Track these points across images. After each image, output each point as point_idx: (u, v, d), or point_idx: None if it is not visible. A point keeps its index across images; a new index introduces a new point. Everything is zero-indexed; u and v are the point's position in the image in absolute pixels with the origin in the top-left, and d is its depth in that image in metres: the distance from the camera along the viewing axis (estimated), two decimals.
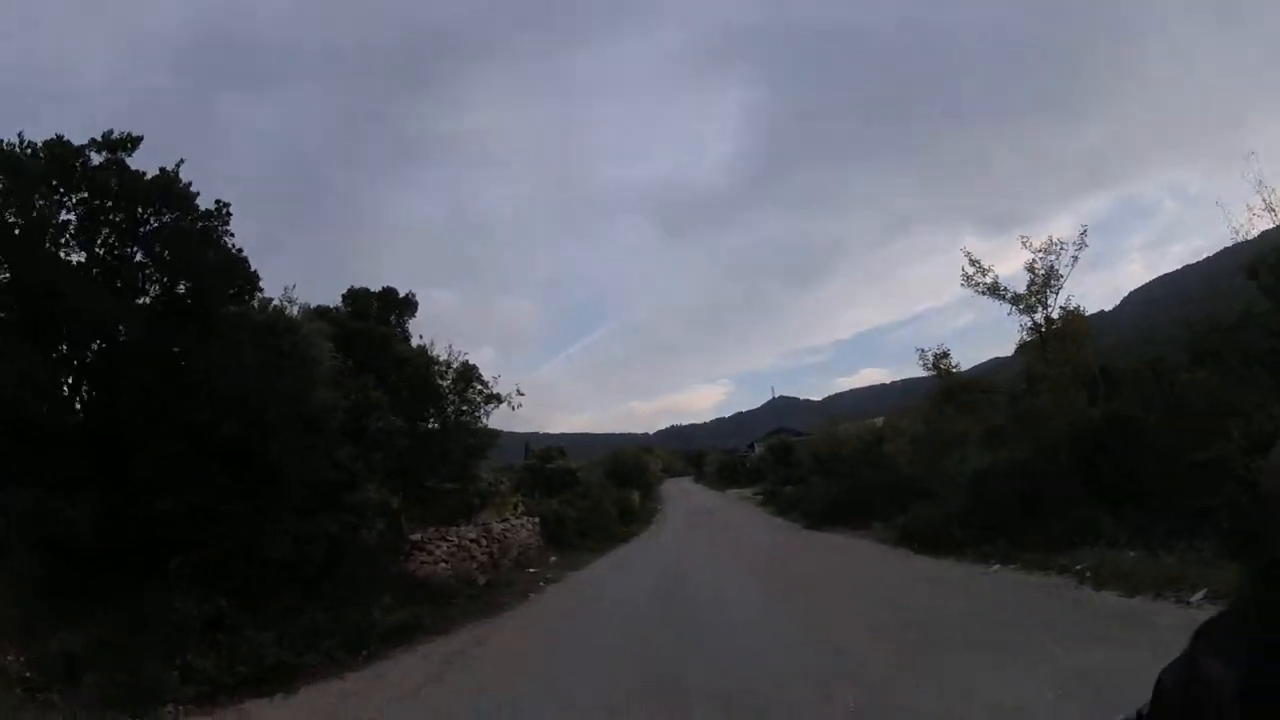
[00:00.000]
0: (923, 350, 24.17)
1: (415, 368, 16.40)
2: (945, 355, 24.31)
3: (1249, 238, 15.67)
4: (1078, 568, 10.62)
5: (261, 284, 11.19)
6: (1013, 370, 23.97)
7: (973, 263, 21.65)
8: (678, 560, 18.84)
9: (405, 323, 18.19)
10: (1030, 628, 7.81)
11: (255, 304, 10.95)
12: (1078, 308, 21.04)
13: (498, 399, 18.13)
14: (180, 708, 7.94)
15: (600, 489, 34.35)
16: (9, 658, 7.52)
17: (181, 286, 10.26)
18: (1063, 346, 19.72)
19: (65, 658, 7.65)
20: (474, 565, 17.95)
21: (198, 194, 11.00)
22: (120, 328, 9.70)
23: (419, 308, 18.41)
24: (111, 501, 8.67)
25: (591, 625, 11.10)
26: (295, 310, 11.09)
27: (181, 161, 10.80)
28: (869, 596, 11.06)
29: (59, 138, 10.04)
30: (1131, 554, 10.46)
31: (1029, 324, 21.31)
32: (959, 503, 15.99)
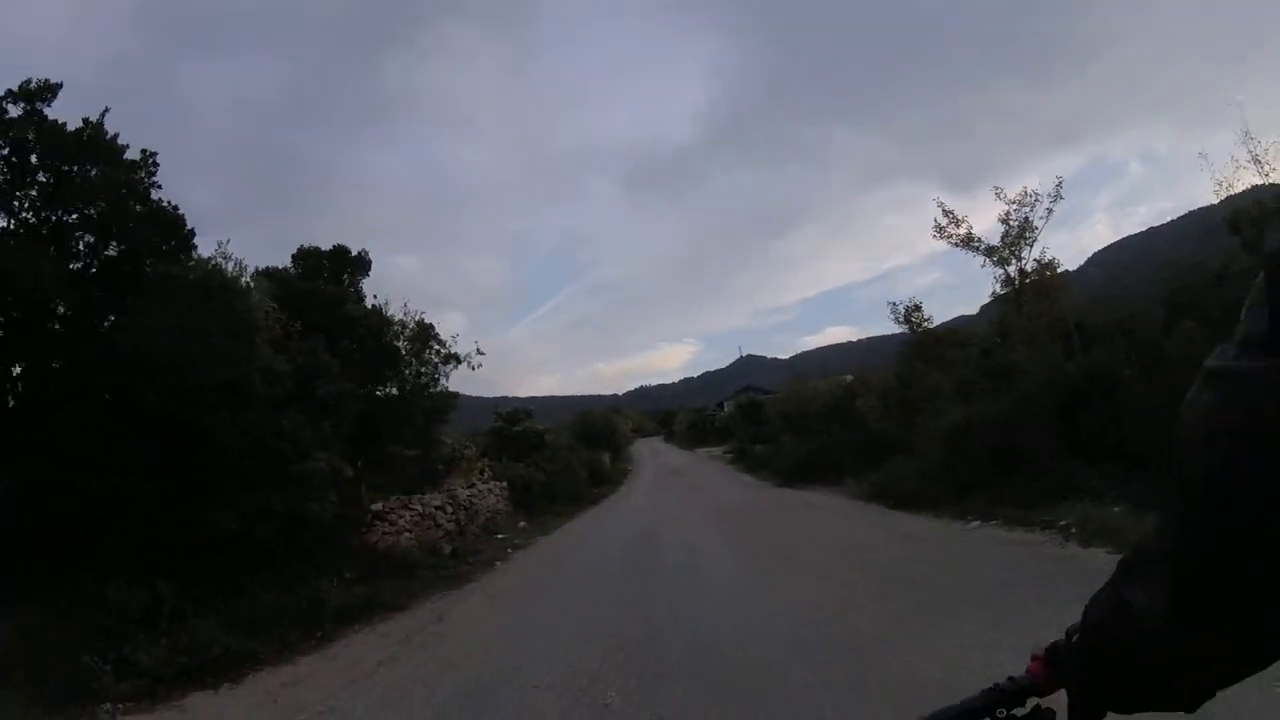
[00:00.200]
0: (894, 304, 23.90)
1: (368, 328, 15.52)
2: (917, 309, 24.03)
3: (1233, 191, 15.48)
4: (1062, 523, 10.32)
5: (196, 241, 10.27)
6: (981, 326, 23.83)
7: (946, 213, 21.34)
8: (649, 522, 18.41)
9: (359, 282, 17.19)
10: (1021, 585, 7.45)
11: (193, 263, 10.00)
12: (1052, 260, 20.92)
13: (456, 359, 17.31)
14: (117, 706, 7.27)
15: (569, 451, 33.82)
16: None
17: (111, 247, 9.30)
18: (1037, 300, 19.57)
19: None
20: (440, 534, 17.38)
21: (126, 146, 10.03)
22: (46, 292, 8.72)
23: (373, 266, 17.41)
24: (35, 480, 7.83)
25: (559, 595, 10.57)
26: (231, 267, 10.16)
27: (107, 110, 9.79)
28: (848, 556, 10.68)
29: None
30: (1116, 510, 10.16)
31: (1002, 276, 21.21)
32: (934, 458, 15.79)
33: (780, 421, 34.00)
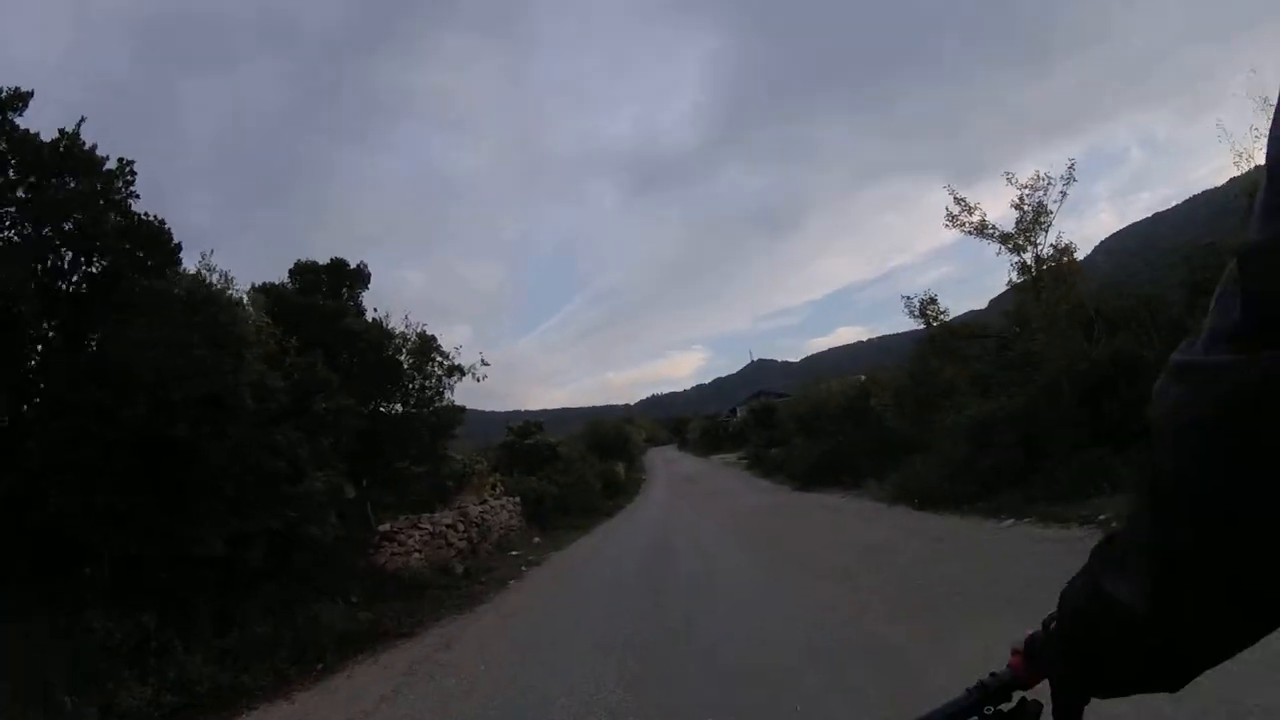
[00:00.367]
0: (908, 298, 23.16)
1: (369, 342, 15.08)
2: (933, 301, 23.29)
3: (1254, 166, 14.88)
4: (1101, 518, 9.73)
5: (182, 255, 9.85)
6: (994, 319, 23.19)
7: (958, 201, 20.76)
8: (665, 532, 17.85)
9: (359, 296, 16.82)
10: (1058, 583, 6.77)
11: (177, 276, 9.56)
12: (1069, 245, 20.28)
13: (460, 371, 16.89)
14: None
15: (582, 463, 33.31)
16: None
17: (93, 263, 8.88)
18: (1056, 286, 18.97)
19: None
20: (452, 553, 16.89)
21: (105, 158, 9.62)
22: (24, 309, 8.28)
23: (378, 281, 17.05)
24: (11, 499, 7.37)
25: (573, 614, 9.99)
26: (216, 279, 9.73)
27: (83, 120, 9.38)
28: (874, 561, 10.10)
29: None
30: None
31: (1019, 264, 20.61)
32: (957, 454, 15.25)
33: (794, 424, 33.51)
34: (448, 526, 17.34)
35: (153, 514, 7.82)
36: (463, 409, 18.09)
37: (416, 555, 15.55)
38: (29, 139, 8.55)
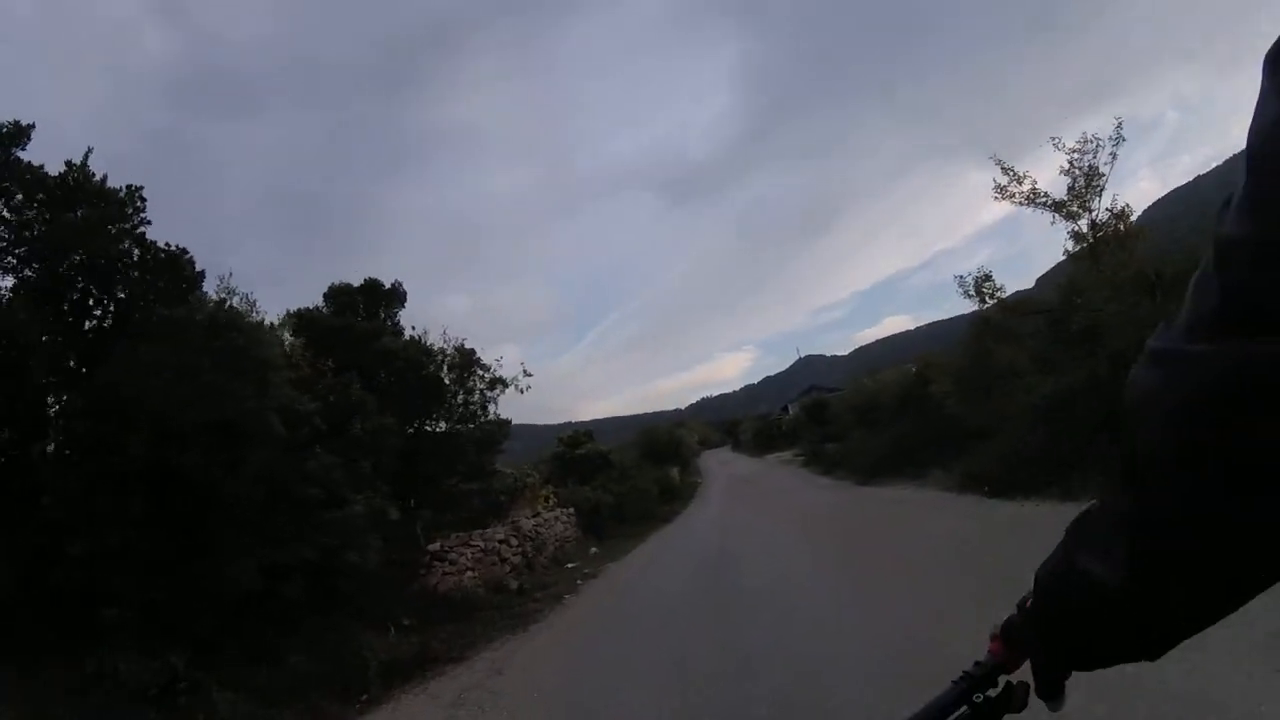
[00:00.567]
0: (960, 277, 22.08)
1: (407, 360, 14.76)
2: (988, 278, 22.14)
3: None
4: None
5: (203, 282, 9.61)
6: (1046, 295, 21.99)
7: (1005, 171, 19.72)
8: (726, 538, 17.11)
9: (395, 316, 16.57)
10: None
11: (199, 303, 9.30)
12: (1125, 208, 19.08)
13: (503, 383, 16.48)
14: None
15: (636, 469, 32.81)
16: None
17: (104, 293, 8.66)
18: (1115, 252, 17.83)
19: None
20: (506, 569, 16.50)
21: (118, 190, 9.43)
22: (29, 346, 8.07)
23: (424, 307, 16.82)
24: (26, 545, 7.11)
25: (631, 636, 9.25)
26: (236, 301, 9.45)
27: (90, 151, 9.20)
28: (952, 559, 9.28)
29: None
30: None
31: (1073, 232, 19.53)
32: (1029, 437, 14.32)
33: (850, 416, 32.65)
34: (500, 542, 16.96)
35: (171, 552, 7.48)
36: (508, 422, 17.67)
37: (469, 573, 15.19)
38: (34, 172, 8.35)
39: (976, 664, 0.95)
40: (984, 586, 7.36)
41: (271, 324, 10.55)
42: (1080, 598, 0.79)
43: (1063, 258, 20.69)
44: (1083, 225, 19.11)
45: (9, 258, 8.57)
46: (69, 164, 8.62)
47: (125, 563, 7.19)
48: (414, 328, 16.58)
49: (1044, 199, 19.41)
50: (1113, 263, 16.92)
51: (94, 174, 8.68)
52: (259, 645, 7.85)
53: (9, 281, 8.96)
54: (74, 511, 7.12)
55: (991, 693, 0.94)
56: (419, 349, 15.49)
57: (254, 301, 9.98)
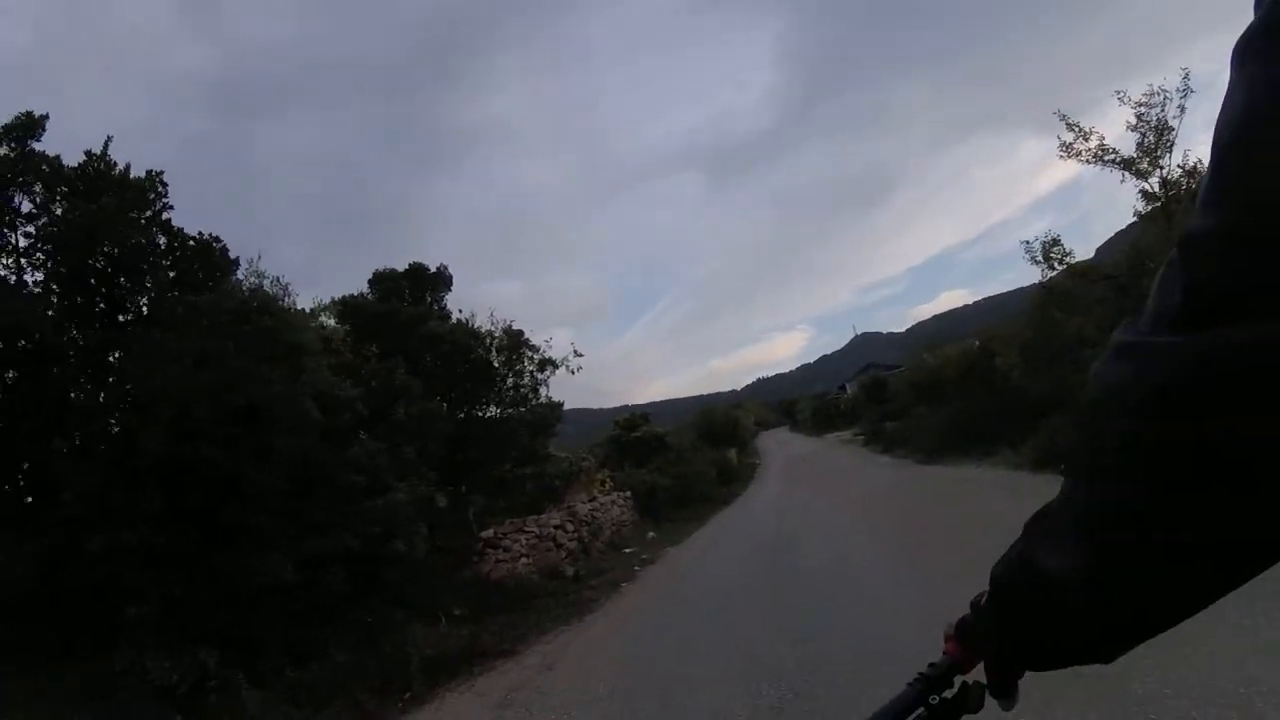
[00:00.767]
0: (1027, 243, 20.76)
1: (454, 344, 14.38)
2: (1056, 243, 20.75)
3: None
4: None
5: (237, 269, 9.31)
6: (1115, 258, 20.51)
7: (1071, 127, 18.43)
8: (786, 520, 16.41)
9: (442, 300, 16.23)
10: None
11: (231, 289, 9.01)
12: (1198, 164, 17.57)
13: (553, 364, 16.02)
14: None
15: (694, 451, 32.22)
16: None
17: (130, 282, 8.39)
18: (1188, 212, 16.41)
19: None
20: (561, 555, 16.12)
21: (141, 179, 9.14)
22: (48, 341, 7.84)
23: (476, 294, 16.51)
24: (45, 545, 6.88)
25: (692, 627, 8.61)
26: (267, 284, 9.13)
27: (110, 139, 8.93)
28: None
29: None
30: None
31: (1142, 191, 18.19)
32: None
33: (910, 394, 31.58)
34: (555, 527, 16.59)
35: (192, 545, 7.16)
36: (560, 405, 17.22)
37: (524, 560, 14.84)
38: (51, 163, 8.08)
39: (931, 665, 0.91)
40: None
41: (307, 309, 10.22)
42: (1037, 596, 0.76)
43: (1125, 225, 19.48)
44: (1153, 183, 17.89)
45: (37, 254, 8.39)
46: (89, 154, 8.35)
47: (145, 558, 6.89)
48: (460, 311, 16.25)
49: (1113, 155, 18.18)
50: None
51: (115, 163, 8.41)
52: (299, 640, 7.52)
53: (38, 276, 8.80)
54: (92, 507, 6.85)
55: (948, 694, 0.90)
56: (466, 332, 15.11)
57: (286, 285, 9.63)
